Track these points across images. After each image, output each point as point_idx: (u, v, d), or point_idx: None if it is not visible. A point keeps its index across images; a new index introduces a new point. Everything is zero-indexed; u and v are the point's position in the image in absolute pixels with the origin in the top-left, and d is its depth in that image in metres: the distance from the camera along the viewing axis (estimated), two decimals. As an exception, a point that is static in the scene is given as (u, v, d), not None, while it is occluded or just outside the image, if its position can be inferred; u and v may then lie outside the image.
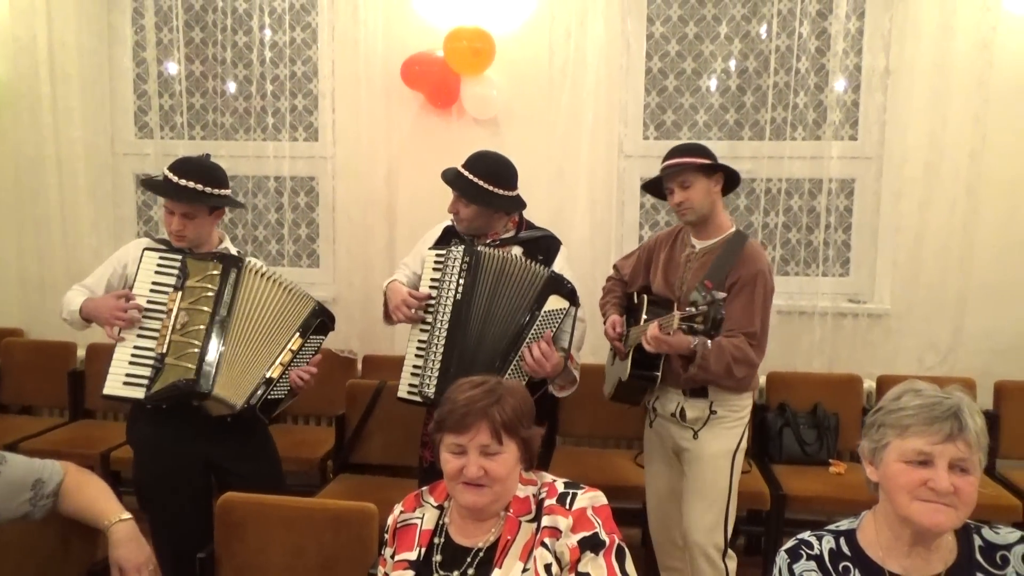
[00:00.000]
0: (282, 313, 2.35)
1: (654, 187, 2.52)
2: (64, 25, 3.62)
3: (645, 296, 2.54)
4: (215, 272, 2.29)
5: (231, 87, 3.72)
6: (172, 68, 3.72)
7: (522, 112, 3.50)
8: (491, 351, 2.30)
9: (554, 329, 2.30)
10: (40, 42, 3.61)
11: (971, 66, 3.19)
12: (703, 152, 2.42)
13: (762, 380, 3.28)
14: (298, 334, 2.36)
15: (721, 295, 2.02)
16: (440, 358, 2.30)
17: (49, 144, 3.68)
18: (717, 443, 2.42)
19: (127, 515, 1.76)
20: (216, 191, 2.35)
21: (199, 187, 2.31)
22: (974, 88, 3.20)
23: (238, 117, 3.73)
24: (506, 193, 2.41)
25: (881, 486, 1.38)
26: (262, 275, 2.33)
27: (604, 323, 2.60)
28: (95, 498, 1.78)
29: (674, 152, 2.43)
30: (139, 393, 2.21)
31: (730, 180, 2.45)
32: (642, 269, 2.63)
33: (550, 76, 3.42)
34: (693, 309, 2.02)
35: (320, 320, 2.40)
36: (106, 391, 2.23)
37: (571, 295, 2.32)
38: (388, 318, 2.53)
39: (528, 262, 2.34)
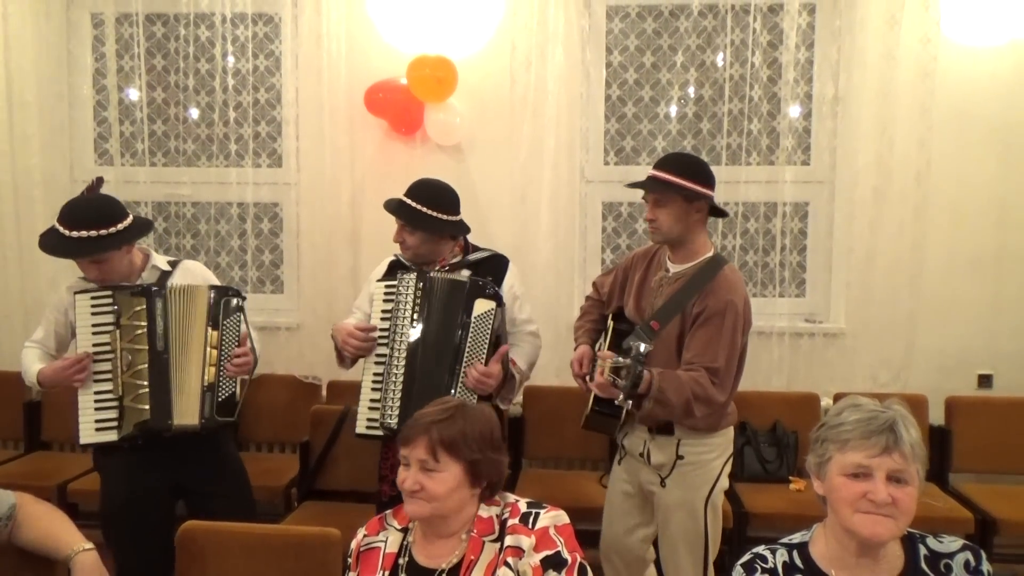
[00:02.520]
0: (189, 318, 2.28)
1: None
2: (22, 53, 3.60)
3: (612, 324, 2.45)
4: (140, 308, 2.24)
5: (193, 114, 3.71)
6: (133, 95, 3.71)
7: (485, 138, 3.56)
8: (442, 374, 2.31)
9: (487, 336, 2.31)
10: (-2, 70, 3.58)
11: (914, 94, 3.33)
12: (695, 171, 2.21)
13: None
14: (209, 327, 2.28)
15: (646, 348, 1.88)
16: (400, 387, 2.30)
17: (6, 171, 3.63)
18: (687, 492, 2.25)
19: (89, 545, 1.74)
20: (113, 229, 2.19)
21: (94, 234, 2.16)
22: (918, 115, 3.34)
23: (200, 144, 3.72)
24: (449, 218, 2.44)
25: (827, 499, 1.43)
26: (183, 291, 2.29)
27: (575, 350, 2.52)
28: (55, 528, 1.75)
29: (666, 162, 2.24)
30: (112, 436, 2.24)
31: (715, 210, 2.31)
32: (617, 289, 2.48)
33: (512, 103, 3.48)
34: (621, 361, 1.92)
35: (223, 300, 2.31)
36: (83, 440, 2.25)
37: (495, 295, 2.34)
38: (341, 360, 2.52)
39: (456, 275, 2.36)
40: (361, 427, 2.36)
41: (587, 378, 2.39)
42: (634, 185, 2.32)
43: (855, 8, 3.38)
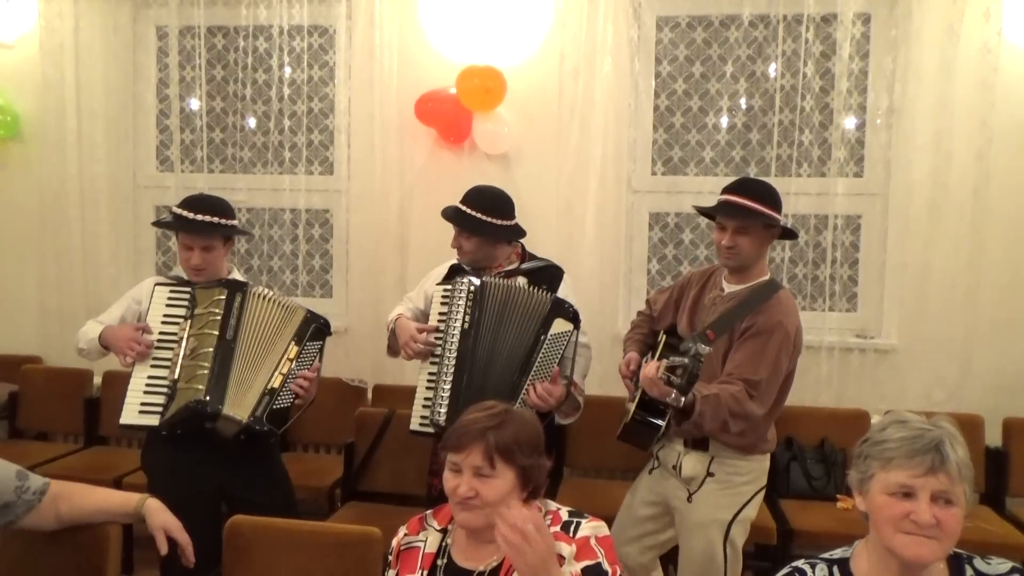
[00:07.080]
0: (277, 327, 2.41)
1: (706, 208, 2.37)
2: (91, 65, 3.77)
3: (664, 336, 2.47)
4: (220, 297, 2.37)
5: (250, 122, 3.84)
6: (194, 104, 3.85)
7: (532, 148, 3.59)
8: (501, 380, 2.33)
9: (559, 355, 2.33)
10: (68, 81, 3.76)
11: (973, 106, 3.25)
12: (773, 197, 2.23)
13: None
14: (293, 342, 2.41)
15: (706, 349, 1.87)
16: (449, 386, 2.34)
17: (73, 179, 3.80)
18: (709, 511, 2.26)
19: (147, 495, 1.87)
20: (228, 222, 2.46)
21: (214, 219, 2.41)
22: (977, 128, 3.25)
23: (256, 151, 3.83)
24: (504, 223, 2.49)
25: (869, 516, 1.40)
26: (264, 298, 2.42)
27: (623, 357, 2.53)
28: (108, 493, 1.89)
29: (743, 188, 2.25)
30: (154, 420, 2.29)
31: (786, 232, 2.33)
32: (671, 307, 2.51)
33: (559, 113, 3.50)
34: (677, 360, 1.91)
35: (314, 326, 2.45)
36: (123, 421, 2.31)
37: (574, 318, 2.36)
38: (392, 351, 2.58)
39: (532, 289, 2.40)
40: (415, 424, 2.40)
41: (634, 379, 2.39)
42: (703, 210, 2.36)
43: (911, 18, 3.30)
